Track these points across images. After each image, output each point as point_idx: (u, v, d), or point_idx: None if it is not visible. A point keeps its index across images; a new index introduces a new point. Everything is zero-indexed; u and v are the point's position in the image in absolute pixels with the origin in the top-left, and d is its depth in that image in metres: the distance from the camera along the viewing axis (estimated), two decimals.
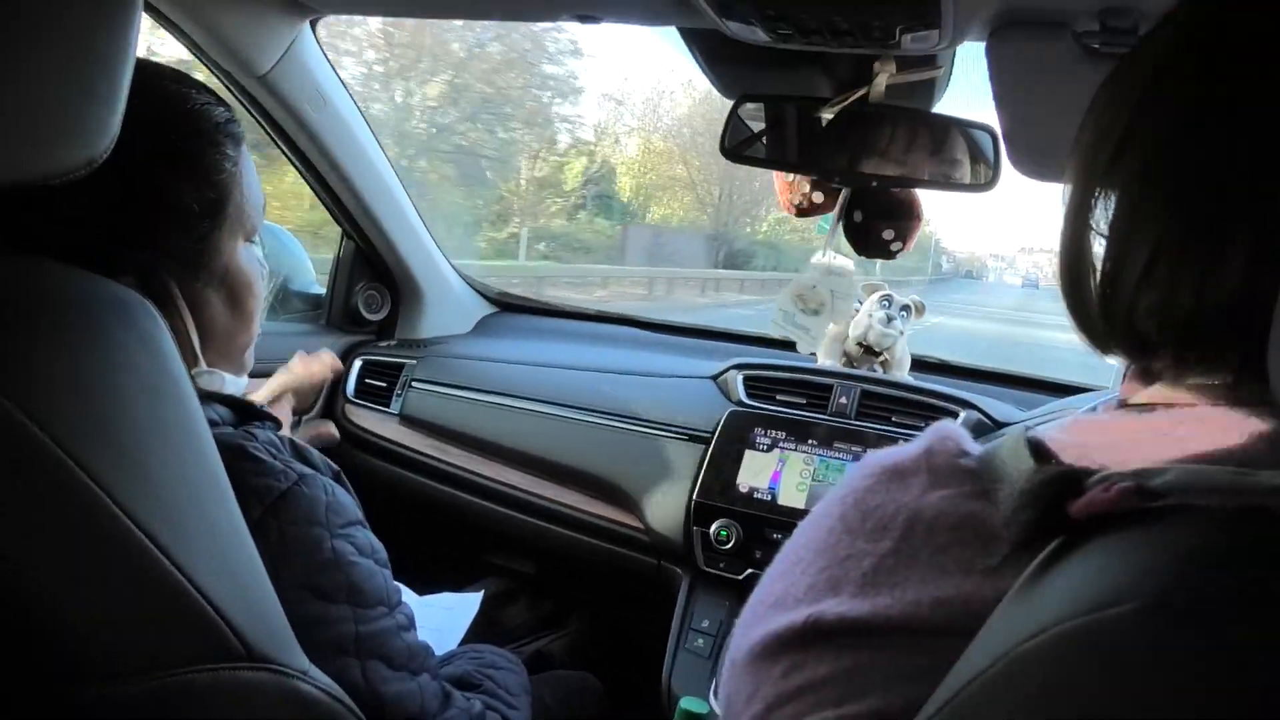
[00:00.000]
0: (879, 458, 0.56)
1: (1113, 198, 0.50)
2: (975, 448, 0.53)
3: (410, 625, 0.84)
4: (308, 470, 0.78)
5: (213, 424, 0.75)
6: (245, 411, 0.82)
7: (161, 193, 0.74)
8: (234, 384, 0.86)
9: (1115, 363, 0.58)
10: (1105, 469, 0.39)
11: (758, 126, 1.20)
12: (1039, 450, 0.47)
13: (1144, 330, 0.49)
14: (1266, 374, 0.45)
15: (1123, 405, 0.52)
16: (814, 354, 1.66)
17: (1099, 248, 0.51)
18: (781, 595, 0.54)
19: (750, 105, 1.19)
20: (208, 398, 0.78)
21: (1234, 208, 0.45)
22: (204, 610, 0.57)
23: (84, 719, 0.55)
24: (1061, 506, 0.38)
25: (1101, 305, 0.51)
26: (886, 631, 0.48)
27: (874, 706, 0.47)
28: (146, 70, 0.75)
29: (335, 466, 0.84)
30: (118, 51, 0.56)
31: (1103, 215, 0.51)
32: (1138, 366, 0.54)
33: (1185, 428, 0.46)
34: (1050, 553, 0.39)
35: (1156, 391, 0.51)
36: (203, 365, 0.81)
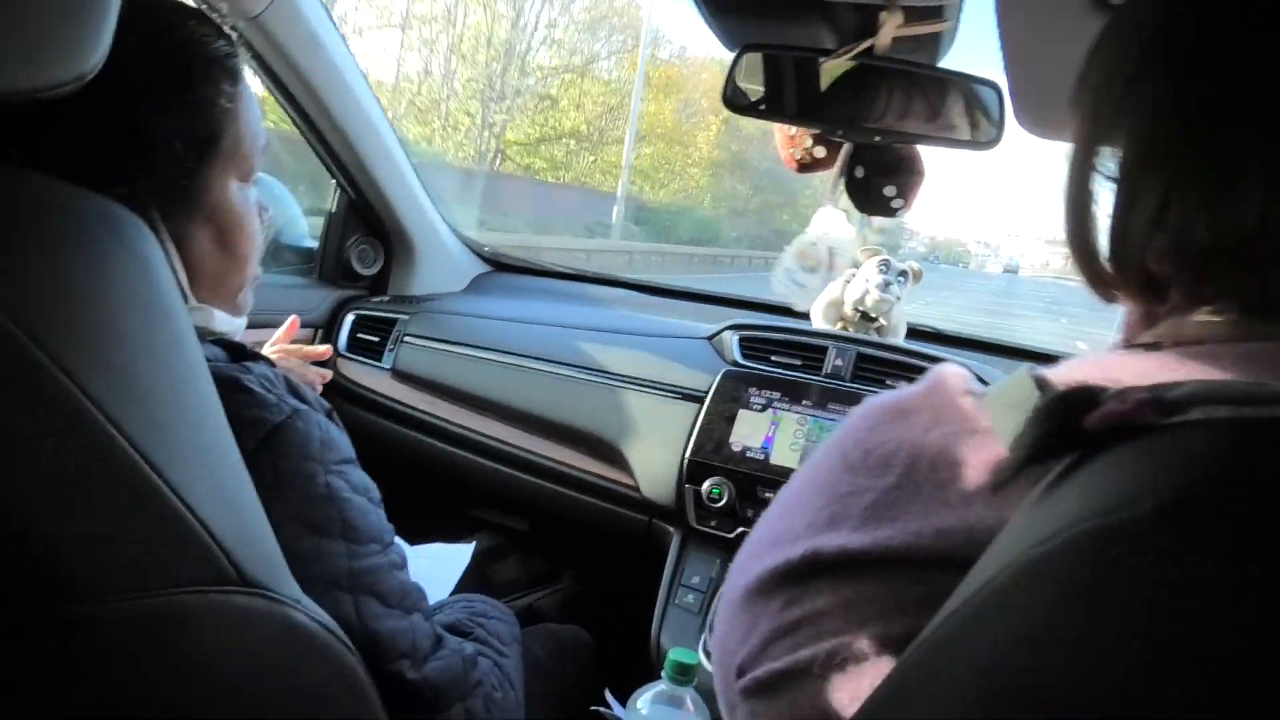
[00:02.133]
0: (881, 399, 0.56)
1: (1120, 141, 0.49)
2: (979, 387, 0.53)
3: (403, 564, 0.84)
4: (302, 405, 0.77)
5: (208, 360, 0.74)
6: (238, 352, 0.81)
7: (146, 125, 0.72)
8: (228, 323, 0.84)
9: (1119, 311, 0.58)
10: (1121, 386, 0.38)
11: (761, 78, 1.19)
12: (1043, 384, 0.47)
13: (1157, 271, 0.48)
14: (1277, 306, 0.45)
15: (1126, 345, 0.52)
16: (809, 317, 1.66)
17: (1107, 193, 0.50)
18: (780, 534, 0.54)
19: (753, 56, 1.17)
20: (202, 335, 0.77)
21: (1248, 142, 0.44)
22: (196, 531, 0.56)
23: (71, 636, 0.54)
24: (1076, 421, 0.38)
25: (1113, 250, 0.50)
26: (887, 562, 0.48)
27: (873, 635, 0.47)
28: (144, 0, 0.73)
29: (328, 405, 0.83)
30: None
31: (1111, 158, 0.50)
32: (1141, 312, 0.54)
33: (1195, 363, 0.45)
34: (1065, 468, 0.38)
35: (1162, 331, 0.50)
36: (192, 301, 0.80)
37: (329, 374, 1.27)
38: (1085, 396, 0.38)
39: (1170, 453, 0.33)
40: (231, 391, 0.71)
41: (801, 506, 0.54)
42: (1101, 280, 0.53)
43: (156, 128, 0.72)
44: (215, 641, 0.60)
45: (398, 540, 0.85)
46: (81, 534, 0.53)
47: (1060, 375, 0.49)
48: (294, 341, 1.26)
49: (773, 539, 0.55)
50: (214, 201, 0.79)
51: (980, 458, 0.48)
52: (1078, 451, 0.38)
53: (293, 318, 1.24)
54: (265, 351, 1.25)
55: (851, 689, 0.47)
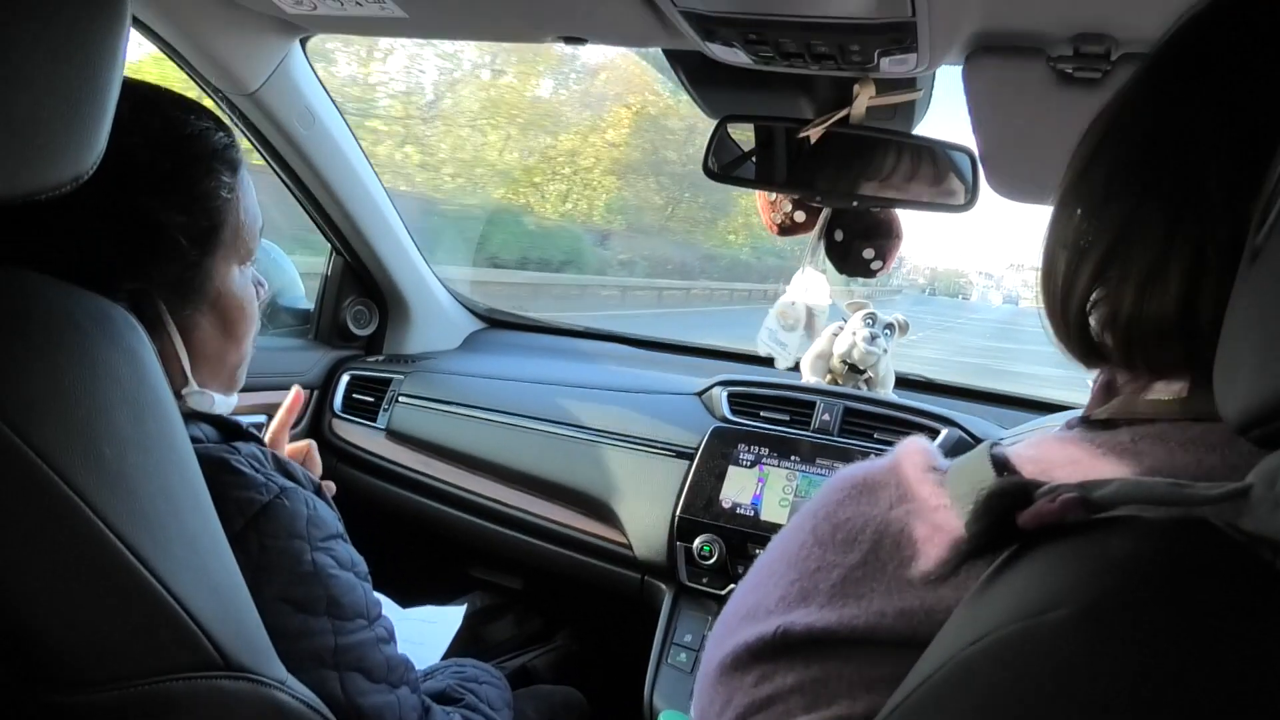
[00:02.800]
0: (850, 471, 0.57)
1: (1079, 210, 0.52)
2: (944, 462, 0.55)
3: (390, 638, 0.84)
4: (289, 484, 0.78)
5: (197, 441, 0.76)
6: (231, 431, 0.82)
7: (153, 221, 0.74)
8: (224, 403, 0.86)
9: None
10: (1056, 482, 0.40)
11: (741, 148, 1.22)
12: (1002, 465, 0.49)
13: (1097, 338, 0.51)
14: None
15: (1084, 421, 0.54)
16: (798, 370, 1.68)
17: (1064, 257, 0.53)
18: (753, 607, 0.55)
19: (733, 126, 1.21)
20: (193, 417, 0.79)
21: (1177, 224, 0.46)
22: (181, 619, 0.58)
23: None
24: (1012, 517, 0.39)
25: (1061, 309, 0.53)
26: (852, 642, 0.49)
27: (838, 714, 0.48)
28: (145, 95, 0.75)
29: (317, 481, 0.84)
30: (105, 69, 0.57)
31: (1073, 226, 0.53)
32: (1101, 381, 0.56)
33: (1144, 444, 0.47)
34: (1001, 562, 0.40)
35: (1117, 406, 0.52)
36: (193, 385, 0.81)
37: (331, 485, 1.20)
38: (1019, 492, 0.40)
39: (1091, 555, 0.35)
40: (220, 472, 0.73)
41: (774, 579, 0.56)
42: (1058, 338, 0.55)
43: (164, 222, 0.74)
44: None
45: (385, 613, 0.86)
46: (71, 626, 0.55)
47: (1019, 455, 0.51)
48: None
49: (747, 612, 0.56)
50: (217, 289, 0.81)
51: (941, 538, 0.49)
52: (1015, 544, 0.40)
53: (295, 390, 1.17)
54: (268, 437, 1.19)
55: None
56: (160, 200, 0.74)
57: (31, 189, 0.55)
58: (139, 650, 0.57)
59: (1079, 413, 0.57)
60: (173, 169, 0.75)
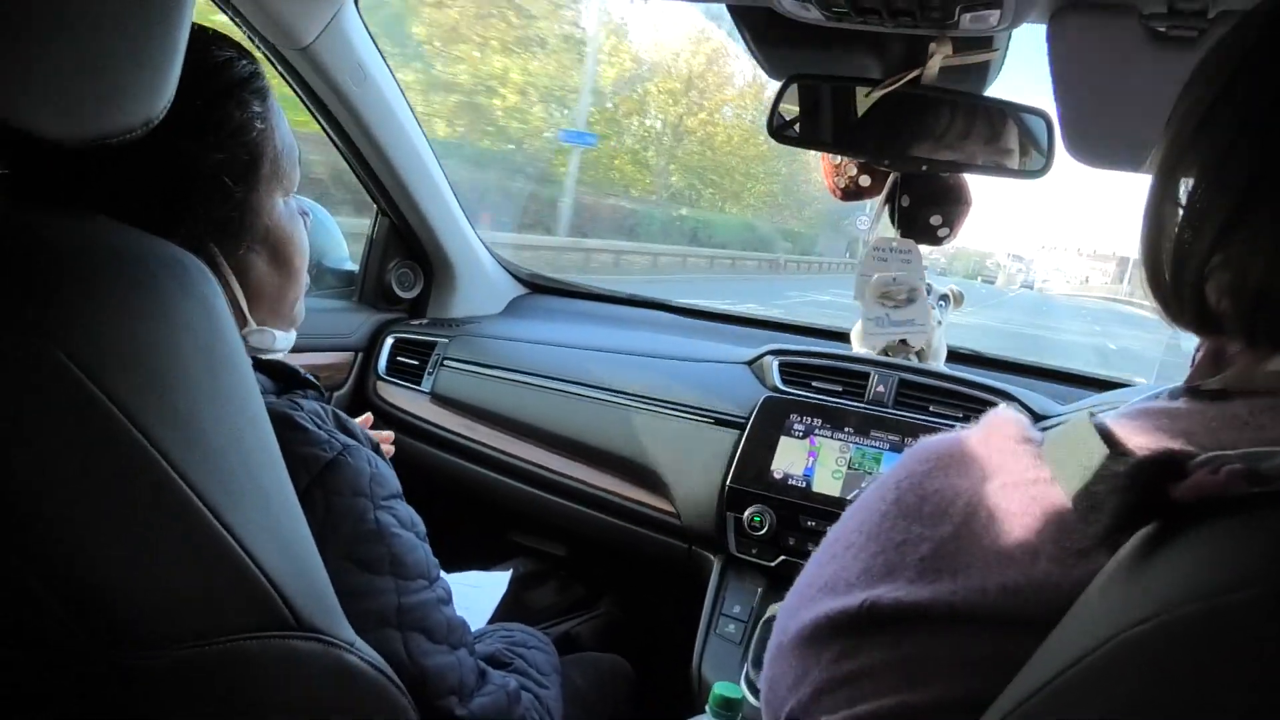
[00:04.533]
0: (935, 442, 0.55)
1: (1193, 171, 0.49)
2: (1036, 434, 0.52)
3: (449, 599, 0.84)
4: (351, 441, 0.77)
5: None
6: (288, 378, 0.81)
7: (192, 162, 0.72)
8: (285, 340, 0.85)
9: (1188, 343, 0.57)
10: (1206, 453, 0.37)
11: (805, 107, 1.18)
12: (1108, 437, 0.46)
13: (1215, 307, 0.48)
14: None
15: (1192, 391, 0.51)
16: (870, 347, 1.64)
17: (1179, 219, 0.50)
18: (832, 579, 0.53)
19: (798, 86, 1.17)
20: (254, 363, 0.78)
21: None
22: (256, 578, 0.57)
23: (137, 684, 0.55)
24: (1161, 490, 0.37)
25: (1173, 276, 0.50)
26: (948, 619, 0.47)
27: (935, 696, 0.46)
28: None
29: (374, 439, 0.83)
30: (174, 10, 0.56)
31: (1184, 187, 0.49)
32: (1208, 349, 0.53)
33: (1265, 416, 0.44)
34: (1150, 537, 0.37)
35: (1231, 377, 0.49)
36: (252, 325, 0.80)
37: (390, 435, 1.27)
38: (1172, 464, 0.37)
39: (1270, 533, 0.32)
40: (284, 428, 0.72)
41: (854, 550, 0.54)
42: (1165, 306, 0.52)
43: (204, 162, 0.72)
44: (273, 686, 0.60)
45: (442, 574, 0.85)
46: (144, 581, 0.54)
47: (1124, 427, 0.48)
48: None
49: (825, 584, 0.54)
50: (265, 224, 0.79)
51: (1042, 510, 0.47)
52: (1161, 520, 0.37)
53: (366, 415, 1.24)
54: None
55: None
56: (197, 139, 0.72)
57: (104, 131, 0.54)
58: (214, 609, 0.56)
59: (1163, 386, 0.54)
60: (204, 105, 0.72)
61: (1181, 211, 0.49)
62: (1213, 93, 0.49)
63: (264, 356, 0.82)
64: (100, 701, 0.54)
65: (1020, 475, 0.49)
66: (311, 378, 0.83)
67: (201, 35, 0.75)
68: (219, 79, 0.74)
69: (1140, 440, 0.46)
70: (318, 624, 0.61)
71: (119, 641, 0.53)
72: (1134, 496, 0.38)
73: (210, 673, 0.57)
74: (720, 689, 0.96)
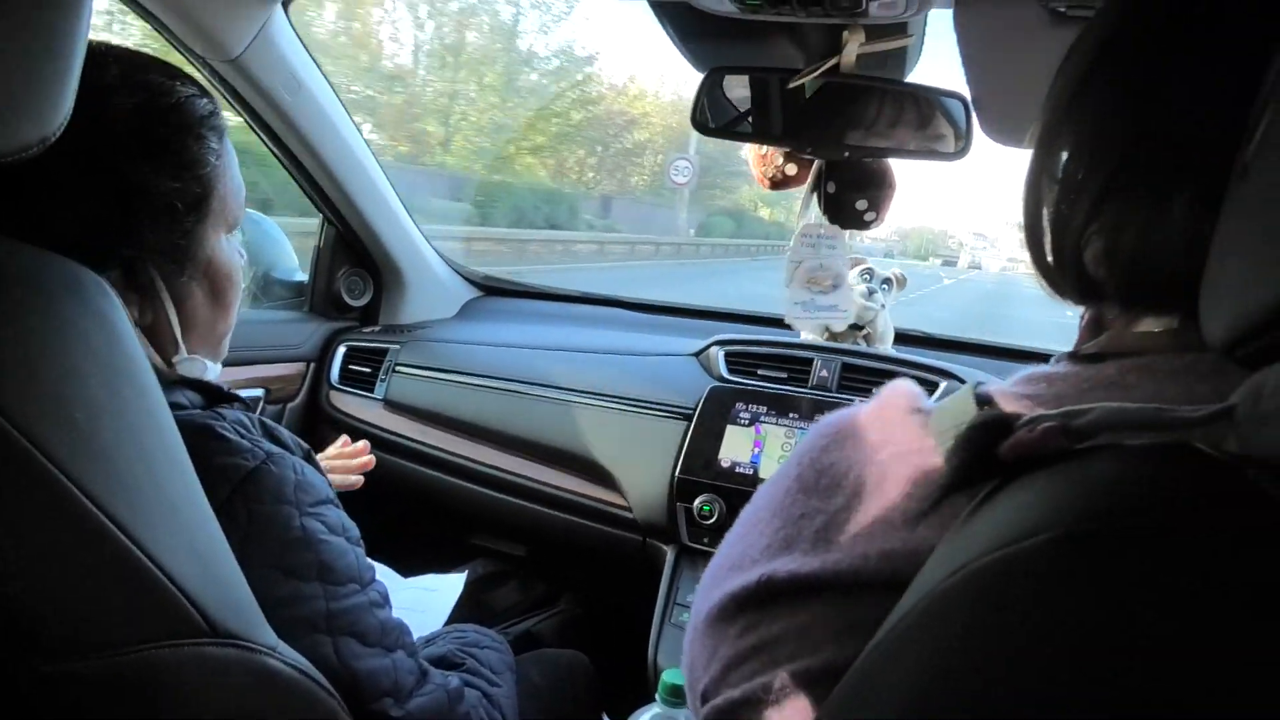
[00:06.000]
0: (833, 418, 0.57)
1: (1068, 144, 0.50)
2: (928, 404, 0.54)
3: (384, 603, 0.84)
4: (275, 449, 0.78)
5: (181, 407, 0.75)
6: (215, 396, 0.82)
7: (146, 188, 0.74)
8: (214, 370, 0.87)
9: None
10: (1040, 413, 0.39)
11: (730, 99, 1.19)
12: (985, 402, 0.48)
13: (1093, 274, 0.49)
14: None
15: (1072, 356, 0.53)
16: (796, 329, 1.66)
17: (1056, 192, 0.51)
18: (739, 558, 0.55)
19: (721, 77, 1.18)
20: (178, 383, 0.78)
21: (1180, 158, 0.45)
22: (164, 586, 0.57)
23: (52, 693, 0.55)
24: (992, 449, 0.38)
25: (1053, 247, 0.51)
26: (835, 586, 0.48)
27: (825, 660, 0.47)
28: (132, 61, 0.75)
29: (306, 446, 0.84)
30: (69, 29, 0.56)
31: (1060, 161, 0.51)
32: (1089, 317, 0.55)
33: (1132, 376, 0.46)
34: (983, 496, 0.39)
35: (1106, 340, 0.51)
36: (183, 352, 0.82)
37: (372, 460, 1.32)
38: (1000, 425, 0.39)
39: (1071, 481, 0.34)
40: (204, 439, 0.72)
41: (759, 528, 0.55)
42: (1048, 277, 0.54)
43: (158, 189, 0.74)
44: (192, 693, 0.60)
45: (379, 578, 0.85)
46: (52, 594, 0.54)
47: (1003, 395, 0.50)
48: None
49: (733, 563, 0.55)
50: (207, 256, 0.81)
51: (924, 478, 0.48)
52: (997, 478, 0.39)
53: (344, 438, 1.33)
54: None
55: (805, 715, 0.47)
56: (153, 167, 0.74)
57: None
58: (123, 618, 0.57)
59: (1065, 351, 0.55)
60: (165, 136, 0.75)
61: (1058, 185, 0.51)
62: (1084, 68, 0.51)
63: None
64: (26, 712, 0.55)
65: (906, 445, 0.51)
66: (236, 393, 0.83)
67: (167, 69, 0.78)
68: (181, 113, 0.76)
69: (1015, 406, 0.48)
70: (233, 630, 0.62)
71: (33, 649, 0.54)
72: (967, 456, 0.39)
73: (129, 681, 0.58)
74: (669, 676, 0.98)
